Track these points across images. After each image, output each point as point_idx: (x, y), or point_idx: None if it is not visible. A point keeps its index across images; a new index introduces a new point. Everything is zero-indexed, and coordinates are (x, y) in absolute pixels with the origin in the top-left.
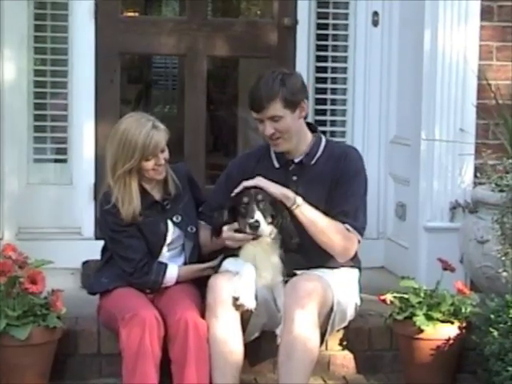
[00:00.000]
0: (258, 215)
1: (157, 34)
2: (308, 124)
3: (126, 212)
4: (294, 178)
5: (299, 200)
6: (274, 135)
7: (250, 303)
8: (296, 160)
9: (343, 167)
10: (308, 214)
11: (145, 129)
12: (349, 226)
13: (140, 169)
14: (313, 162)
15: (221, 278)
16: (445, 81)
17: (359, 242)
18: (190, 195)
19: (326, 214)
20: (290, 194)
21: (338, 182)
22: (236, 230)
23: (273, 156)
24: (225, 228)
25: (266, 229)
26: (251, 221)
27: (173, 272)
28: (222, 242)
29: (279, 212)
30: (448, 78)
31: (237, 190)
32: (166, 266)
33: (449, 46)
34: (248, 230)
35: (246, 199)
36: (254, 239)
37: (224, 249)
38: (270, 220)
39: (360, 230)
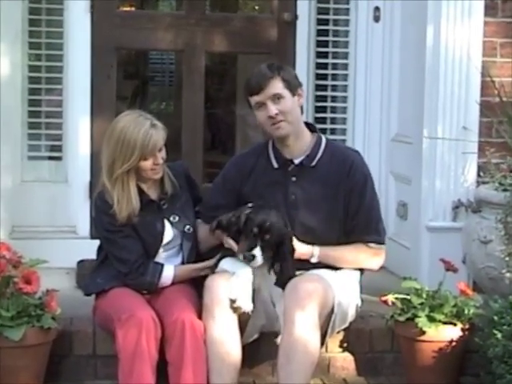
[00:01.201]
0: (256, 251)
1: (154, 29)
2: (306, 124)
3: (124, 213)
4: (294, 178)
5: (316, 251)
6: (277, 116)
7: (246, 306)
8: (296, 161)
9: (352, 178)
10: (328, 254)
11: (143, 128)
12: (373, 245)
13: (138, 169)
14: (313, 163)
15: (218, 278)
16: (448, 78)
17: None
18: (187, 194)
19: (329, 215)
20: (305, 250)
21: (349, 194)
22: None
23: (271, 156)
24: (229, 242)
25: (260, 262)
26: (247, 254)
27: (169, 272)
28: (219, 238)
29: (280, 257)
30: (451, 74)
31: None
32: (162, 266)
33: (452, 42)
34: (241, 258)
35: (255, 229)
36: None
37: (221, 247)
38: (267, 257)
39: (383, 241)
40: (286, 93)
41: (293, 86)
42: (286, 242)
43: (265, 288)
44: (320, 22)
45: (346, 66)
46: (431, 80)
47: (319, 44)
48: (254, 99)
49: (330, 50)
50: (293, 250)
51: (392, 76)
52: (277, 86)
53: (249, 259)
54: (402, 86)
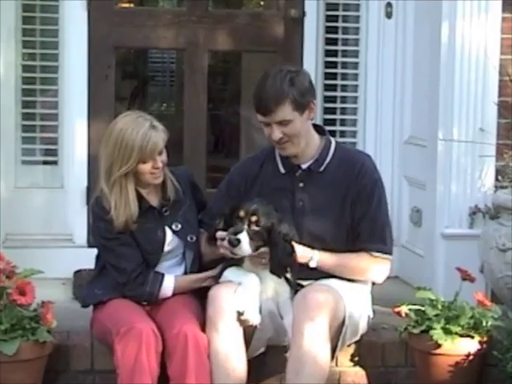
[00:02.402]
0: (243, 235)
1: (154, 26)
2: (315, 126)
3: (121, 218)
4: (301, 184)
5: (315, 255)
6: (281, 139)
7: (255, 319)
8: (303, 166)
9: (360, 182)
10: (328, 261)
11: (142, 129)
12: (377, 254)
13: (136, 172)
14: (322, 168)
15: (222, 288)
16: (464, 77)
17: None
18: (191, 201)
19: (338, 222)
20: (304, 253)
21: (356, 199)
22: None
23: (278, 160)
24: (217, 234)
25: (247, 250)
26: (232, 237)
27: (169, 283)
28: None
29: (271, 242)
30: (467, 73)
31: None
32: (162, 276)
33: (468, 39)
34: (227, 244)
35: (241, 213)
36: (233, 257)
37: (225, 257)
38: (260, 243)
39: (390, 250)
40: (294, 115)
41: (304, 104)
42: (275, 225)
43: (272, 299)
44: (329, 18)
45: (356, 65)
46: (446, 79)
47: (328, 42)
48: (260, 118)
49: (340, 48)
50: (286, 235)
51: (405, 75)
52: (286, 111)
53: (233, 244)
54: (416, 86)
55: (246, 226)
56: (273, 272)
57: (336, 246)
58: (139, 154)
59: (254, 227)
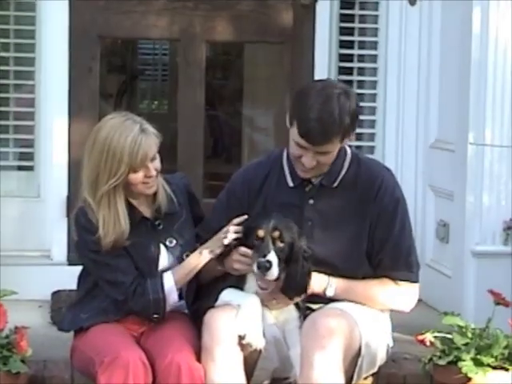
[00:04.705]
0: (271, 255)
1: (144, 13)
2: None
3: (110, 237)
4: (311, 201)
5: (332, 283)
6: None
7: (258, 342)
8: (315, 181)
9: (379, 202)
10: (347, 289)
11: (131, 134)
12: (402, 283)
13: (127, 183)
14: (335, 184)
15: (219, 312)
16: (498, 72)
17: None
18: (187, 214)
19: (353, 247)
20: (319, 281)
21: (376, 221)
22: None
23: (286, 172)
24: (241, 250)
25: (276, 273)
26: (262, 260)
27: (169, 280)
28: (225, 268)
29: (292, 259)
30: (502, 68)
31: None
32: (161, 276)
33: (502, 28)
34: (256, 269)
35: (261, 233)
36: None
37: (225, 276)
38: (282, 264)
39: (416, 278)
40: (336, 146)
41: (349, 133)
42: (296, 240)
43: (278, 325)
44: (344, 5)
45: (375, 59)
46: (478, 75)
47: (343, 32)
48: (299, 141)
49: (356, 38)
50: (305, 251)
51: (430, 70)
52: (333, 145)
53: (265, 268)
54: (443, 83)
55: (271, 245)
56: (285, 293)
57: (350, 274)
58: (129, 163)
59: (279, 244)
